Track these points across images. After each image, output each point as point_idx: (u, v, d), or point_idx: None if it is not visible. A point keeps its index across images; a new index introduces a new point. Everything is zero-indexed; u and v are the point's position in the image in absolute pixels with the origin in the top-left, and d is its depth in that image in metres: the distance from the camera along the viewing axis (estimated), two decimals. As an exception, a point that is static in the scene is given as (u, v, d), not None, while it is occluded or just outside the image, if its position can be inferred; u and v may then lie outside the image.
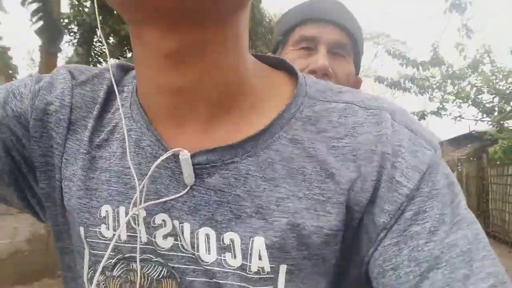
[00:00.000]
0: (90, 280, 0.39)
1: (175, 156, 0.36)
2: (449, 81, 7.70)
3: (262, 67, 0.41)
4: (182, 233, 0.36)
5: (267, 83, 0.40)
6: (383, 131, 0.36)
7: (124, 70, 0.46)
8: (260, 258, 0.34)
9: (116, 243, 0.38)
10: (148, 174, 0.36)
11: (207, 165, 0.36)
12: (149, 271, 0.38)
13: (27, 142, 0.41)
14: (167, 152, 0.36)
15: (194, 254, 0.36)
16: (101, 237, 0.39)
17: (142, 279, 0.37)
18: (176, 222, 0.37)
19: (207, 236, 0.36)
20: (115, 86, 0.41)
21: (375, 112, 0.37)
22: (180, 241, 0.36)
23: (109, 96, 0.43)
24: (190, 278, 0.36)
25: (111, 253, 0.38)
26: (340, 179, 0.35)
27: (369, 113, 0.38)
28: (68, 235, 0.41)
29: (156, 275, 0.37)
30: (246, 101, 0.38)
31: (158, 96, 0.37)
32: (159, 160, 0.36)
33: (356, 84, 0.86)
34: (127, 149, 0.38)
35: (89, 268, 0.39)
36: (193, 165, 0.36)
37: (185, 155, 0.35)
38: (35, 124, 0.40)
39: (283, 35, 0.83)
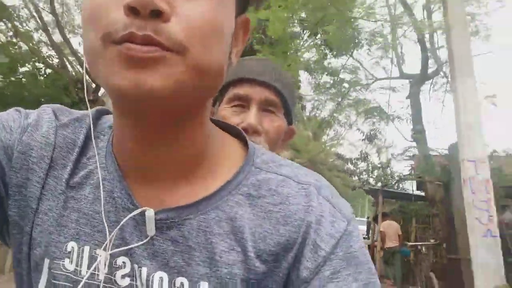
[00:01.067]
0: None
1: (141, 212, 0.43)
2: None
3: (219, 135, 0.50)
4: (140, 275, 0.43)
5: (223, 152, 0.49)
6: (310, 203, 0.45)
7: (100, 113, 0.53)
8: None
9: (77, 277, 0.44)
10: (119, 225, 0.43)
11: (167, 221, 0.43)
12: None
13: (8, 171, 0.45)
14: (137, 210, 0.43)
15: None
16: (63, 270, 0.44)
17: None
18: (135, 266, 0.43)
19: (161, 279, 0.43)
20: (93, 142, 0.48)
21: (305, 186, 0.47)
22: (135, 282, 0.43)
23: (88, 141, 0.50)
24: None
25: (70, 285, 0.44)
26: (270, 241, 0.44)
27: (300, 186, 0.47)
28: (27, 265, 0.46)
29: None
30: (204, 168, 0.46)
31: (131, 159, 0.44)
32: (130, 215, 0.43)
33: (289, 133, 0.96)
34: (102, 200, 0.45)
35: None
36: (155, 220, 0.43)
37: (150, 213, 0.43)
38: (18, 156, 0.46)
39: (219, 92, 0.90)
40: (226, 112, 0.87)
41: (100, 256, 0.43)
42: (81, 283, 0.42)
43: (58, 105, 0.52)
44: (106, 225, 0.44)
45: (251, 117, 0.84)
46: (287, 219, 0.44)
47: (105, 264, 0.43)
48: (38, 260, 0.45)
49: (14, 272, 0.48)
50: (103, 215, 0.44)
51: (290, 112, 0.93)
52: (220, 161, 0.48)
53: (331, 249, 0.43)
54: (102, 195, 0.45)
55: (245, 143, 0.51)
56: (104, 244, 0.43)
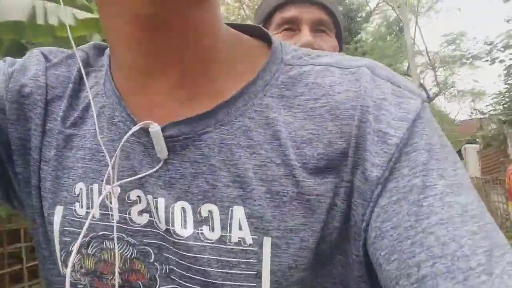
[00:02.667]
0: (65, 262, 0.38)
1: (146, 130, 0.35)
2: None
3: (236, 33, 0.40)
4: (157, 208, 0.35)
5: (241, 50, 0.38)
6: (363, 86, 0.34)
7: (100, 49, 0.45)
8: (240, 228, 0.33)
9: (90, 221, 0.36)
10: (117, 150, 0.35)
11: (180, 137, 0.35)
12: (122, 250, 0.36)
13: (4, 127, 0.40)
14: (135, 126, 0.35)
15: (168, 230, 0.35)
16: (76, 215, 0.38)
17: (116, 258, 0.36)
18: (150, 197, 0.35)
19: (183, 210, 0.34)
20: (81, 66, 0.40)
21: (353, 70, 0.35)
22: (153, 217, 0.35)
23: (82, 76, 0.42)
24: (166, 254, 0.35)
25: (85, 231, 0.36)
26: (318, 144, 0.33)
27: (347, 72, 0.36)
28: (40, 219, 0.41)
29: (129, 254, 0.36)
30: (219, 67, 0.36)
31: (131, 63, 0.35)
32: (127, 136, 0.34)
33: None
34: (96, 126, 0.37)
35: (61, 251, 0.38)
36: (165, 138, 0.34)
37: (154, 128, 0.34)
38: (11, 106, 0.40)
39: (264, 21, 0.86)
40: (276, 37, 0.80)
41: (109, 190, 0.35)
42: (85, 226, 0.34)
43: (50, 47, 0.46)
44: (106, 153, 0.36)
45: (306, 35, 0.78)
46: (335, 111, 0.33)
47: (110, 200, 0.35)
48: (50, 211, 0.39)
49: (32, 236, 0.43)
50: (101, 142, 0.36)
51: (341, 36, 0.87)
52: (241, 62, 0.37)
53: (406, 134, 0.31)
54: (95, 120, 0.37)
55: (269, 41, 0.40)
56: (106, 176, 0.35)
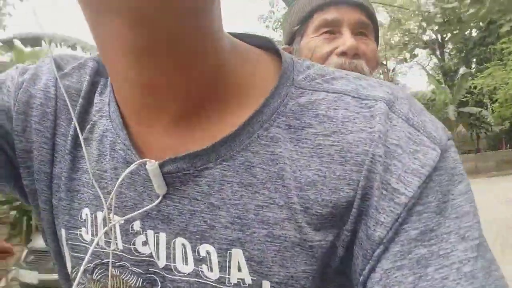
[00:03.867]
0: (74, 279, 0.39)
1: (145, 164, 0.34)
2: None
3: (241, 49, 0.36)
4: (158, 244, 0.34)
5: (247, 69, 0.35)
6: (377, 128, 0.30)
7: None
8: (239, 270, 0.32)
9: (94, 248, 0.36)
10: (116, 185, 0.34)
11: (179, 174, 0.33)
12: (127, 278, 0.36)
13: (12, 137, 0.40)
14: (134, 164, 0.33)
15: (167, 267, 0.34)
16: (82, 240, 0.38)
17: (121, 285, 0.37)
18: (150, 232, 0.35)
19: (183, 246, 0.33)
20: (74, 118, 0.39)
21: (370, 104, 0.32)
22: (153, 251, 0.35)
23: (92, 88, 0.41)
24: (170, 284, 0.35)
25: (89, 258, 0.37)
26: (323, 188, 0.30)
27: (363, 104, 0.32)
28: (50, 234, 0.41)
29: (133, 283, 0.36)
30: (223, 96, 0.34)
31: (128, 92, 0.34)
32: (125, 172, 0.34)
33: (377, 62, 0.84)
34: (86, 158, 0.36)
35: (72, 268, 0.39)
36: (164, 173, 0.33)
37: (152, 166, 0.33)
38: (18, 117, 0.39)
39: (300, 24, 0.81)
40: (315, 41, 0.78)
41: (109, 221, 0.35)
42: (89, 252, 0.34)
43: (63, 53, 0.44)
44: (96, 185, 0.35)
45: (348, 39, 0.75)
46: (345, 154, 0.30)
47: (111, 231, 0.35)
48: (59, 229, 0.39)
49: (47, 243, 0.44)
50: (91, 177, 0.36)
51: (378, 38, 0.83)
52: (246, 85, 0.34)
53: (416, 192, 0.28)
54: (84, 149, 0.36)
55: (279, 57, 0.36)
56: (105, 208, 0.35)
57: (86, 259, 0.34)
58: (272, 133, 0.32)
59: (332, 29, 0.77)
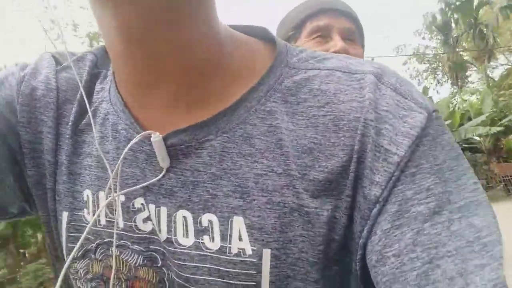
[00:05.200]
0: (69, 268, 0.39)
1: (149, 139, 0.35)
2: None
3: (236, 35, 0.38)
4: (159, 217, 0.35)
5: (244, 53, 0.37)
6: (367, 96, 0.32)
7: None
8: (240, 239, 0.32)
9: (96, 228, 0.37)
10: (120, 159, 0.35)
11: (182, 146, 0.34)
12: (127, 257, 0.37)
13: (17, 130, 0.40)
14: (136, 137, 0.35)
15: (168, 240, 0.35)
16: (85, 221, 0.38)
17: (121, 265, 0.37)
18: (152, 207, 0.35)
19: (185, 219, 0.34)
20: (78, 79, 0.40)
21: (359, 76, 0.34)
22: (154, 225, 0.35)
23: (92, 78, 0.43)
24: (168, 262, 0.35)
25: (91, 237, 0.37)
26: (319, 154, 0.32)
27: (352, 78, 0.34)
28: (54, 222, 0.41)
29: (134, 262, 0.37)
30: (219, 73, 0.35)
31: (129, 73, 0.35)
32: (128, 146, 0.35)
33: None
34: (95, 135, 0.38)
35: (66, 256, 0.39)
36: (167, 147, 0.34)
37: (156, 138, 0.34)
38: (22, 109, 0.40)
39: (295, 29, 0.89)
40: (308, 44, 0.86)
41: (111, 199, 0.36)
42: (86, 229, 0.34)
43: (60, 50, 0.46)
44: (106, 162, 0.36)
45: (338, 42, 0.83)
46: (338, 122, 0.32)
47: (111, 209, 0.36)
48: (60, 215, 0.40)
49: (46, 238, 0.44)
50: (100, 151, 0.37)
51: (363, 45, 0.91)
52: (244, 66, 0.36)
53: (407, 152, 0.30)
54: (94, 130, 0.38)
55: (274, 43, 0.39)
56: (108, 184, 0.36)
57: (82, 236, 0.34)
58: (269, 107, 0.34)
59: (323, 34, 0.85)
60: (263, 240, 0.32)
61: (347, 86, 0.34)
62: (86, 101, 0.38)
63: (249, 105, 0.34)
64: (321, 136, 0.32)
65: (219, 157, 0.34)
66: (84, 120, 0.40)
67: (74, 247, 0.38)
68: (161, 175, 0.35)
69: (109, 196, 0.36)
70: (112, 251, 0.37)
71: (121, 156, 0.35)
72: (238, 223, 0.32)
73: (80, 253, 0.38)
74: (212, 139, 0.34)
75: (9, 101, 0.40)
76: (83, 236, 0.34)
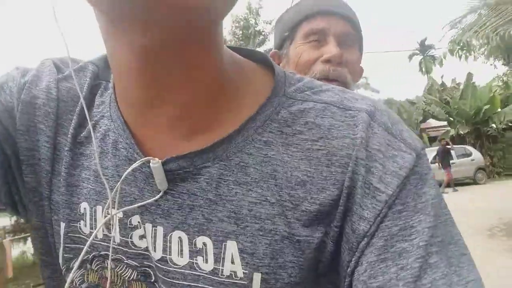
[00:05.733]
0: (65, 277, 0.40)
1: (148, 161, 0.36)
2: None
3: (239, 61, 0.39)
4: (155, 237, 0.36)
5: (243, 80, 0.38)
6: (359, 134, 0.34)
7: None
8: (233, 262, 0.34)
9: (92, 241, 0.38)
10: (120, 180, 0.36)
11: (180, 171, 0.36)
12: (122, 271, 0.38)
13: (14, 136, 0.41)
14: (138, 161, 0.36)
15: (163, 258, 0.36)
16: (81, 232, 0.39)
17: (116, 278, 0.38)
18: (149, 226, 0.37)
19: (180, 239, 0.36)
20: (81, 97, 0.40)
21: (353, 113, 0.35)
22: (148, 244, 0.37)
23: (93, 90, 0.43)
24: (160, 282, 0.37)
25: (88, 249, 0.39)
26: (311, 187, 0.34)
27: (347, 114, 0.36)
28: (51, 229, 0.42)
29: (128, 276, 0.38)
30: (220, 100, 0.36)
31: (134, 93, 0.36)
32: (131, 168, 0.36)
33: (360, 72, 0.89)
34: (96, 153, 0.38)
35: (62, 265, 0.40)
36: (165, 171, 0.35)
37: (155, 164, 0.35)
38: (22, 117, 0.40)
39: (290, 31, 0.85)
40: (302, 47, 0.82)
41: (108, 215, 0.37)
42: (87, 244, 0.36)
43: (61, 56, 0.46)
44: (104, 180, 0.37)
45: (333, 47, 0.79)
46: (331, 157, 0.34)
47: (111, 225, 0.37)
48: (57, 224, 0.41)
49: (34, 242, 0.44)
50: (99, 171, 0.37)
51: (361, 49, 0.87)
52: (242, 95, 0.38)
53: (396, 191, 0.32)
54: (94, 144, 0.38)
55: (272, 70, 0.40)
56: (108, 202, 0.37)
57: (84, 249, 0.36)
58: (266, 138, 0.36)
59: (318, 38, 0.81)
60: (254, 264, 0.34)
61: (341, 122, 0.35)
62: (88, 116, 0.39)
63: (246, 134, 0.36)
64: (314, 170, 0.34)
65: (215, 183, 0.35)
66: (83, 133, 0.41)
67: (70, 257, 0.40)
68: (158, 196, 0.36)
69: (107, 213, 0.37)
70: (107, 263, 0.38)
71: (122, 177, 0.36)
72: (231, 247, 0.34)
73: (74, 263, 0.39)
74: (210, 166, 0.35)
75: (9, 108, 0.41)
76: (82, 252, 0.35)
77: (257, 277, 0.33)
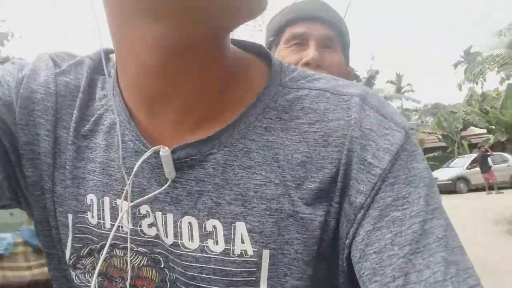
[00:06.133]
0: (73, 265, 0.42)
1: (156, 152, 0.37)
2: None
3: (240, 54, 0.42)
4: (165, 224, 0.38)
5: (244, 72, 0.41)
6: (353, 116, 0.37)
7: (107, 54, 0.46)
8: (242, 242, 0.36)
9: (100, 231, 0.40)
10: (133, 171, 0.38)
11: (187, 159, 0.37)
12: (132, 258, 0.40)
13: (14, 129, 0.41)
14: (149, 151, 0.37)
15: (175, 244, 0.38)
16: (88, 223, 0.41)
17: (124, 265, 0.40)
18: (159, 214, 0.39)
19: (190, 224, 0.38)
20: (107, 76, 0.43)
21: (346, 98, 0.38)
22: (160, 231, 0.39)
23: (91, 84, 0.44)
24: (172, 264, 0.39)
25: (95, 239, 0.40)
26: (311, 167, 0.37)
27: (340, 99, 0.38)
28: (54, 221, 0.43)
29: (138, 263, 0.40)
30: (223, 90, 0.39)
31: (144, 85, 0.38)
32: (142, 158, 0.37)
33: (348, 74, 0.94)
34: (120, 147, 0.39)
35: (71, 255, 0.42)
36: (173, 160, 0.37)
37: (165, 152, 0.37)
38: (21, 111, 0.41)
39: (275, 35, 0.91)
40: (284, 52, 0.88)
41: (122, 207, 0.39)
42: (109, 238, 0.38)
43: (57, 51, 0.47)
44: (124, 172, 0.39)
45: (312, 51, 0.84)
46: (327, 138, 0.37)
47: (127, 217, 0.39)
48: (64, 216, 0.42)
49: (38, 235, 0.45)
50: (121, 161, 0.39)
51: (347, 50, 0.92)
52: (242, 85, 0.40)
53: (388, 165, 0.35)
54: (120, 140, 0.39)
55: (269, 61, 0.43)
56: (123, 195, 0.39)
57: (108, 241, 0.38)
58: (266, 124, 0.38)
59: (300, 42, 0.86)
60: (262, 242, 0.36)
61: (336, 106, 0.38)
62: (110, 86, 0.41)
63: (248, 121, 0.38)
64: (313, 151, 0.37)
65: (221, 169, 0.37)
66: (87, 126, 0.42)
67: (79, 246, 0.41)
68: (167, 185, 0.38)
69: (115, 203, 0.39)
70: (116, 252, 0.40)
71: (134, 169, 0.37)
72: (240, 228, 0.37)
73: (85, 252, 0.41)
74: (215, 153, 0.37)
75: (7, 102, 0.41)
76: (109, 240, 0.37)
77: (266, 254, 0.36)
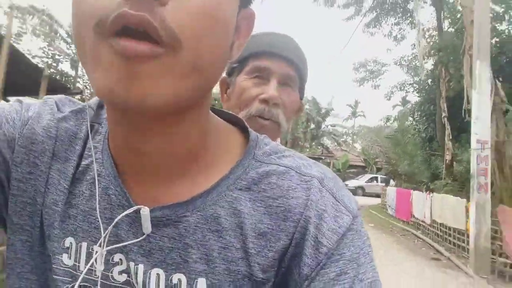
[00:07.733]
0: None
1: (137, 210, 0.42)
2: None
3: (219, 125, 0.48)
4: (136, 274, 0.42)
5: (222, 145, 0.47)
6: (311, 197, 0.43)
7: (102, 106, 0.51)
8: None
9: (74, 272, 0.44)
10: (113, 223, 0.42)
11: (163, 218, 0.42)
12: None
13: (10, 165, 0.45)
14: (131, 208, 0.42)
15: None
16: (62, 265, 0.44)
17: None
18: (131, 264, 0.43)
19: (158, 276, 0.42)
20: (90, 135, 0.46)
21: (307, 178, 0.45)
22: (132, 279, 0.43)
23: (87, 133, 0.48)
24: None
25: (69, 279, 0.44)
26: (271, 237, 0.42)
27: (302, 178, 0.45)
28: (41, 256, 0.46)
29: None
30: (202, 163, 0.44)
31: (125, 153, 0.43)
32: (124, 213, 0.42)
33: (300, 108, 1.01)
34: (97, 198, 0.44)
35: None
36: (151, 217, 0.42)
37: (145, 211, 0.42)
38: (19, 150, 0.45)
39: (239, 63, 0.94)
40: (246, 83, 0.90)
41: (96, 252, 0.43)
42: (79, 278, 0.42)
43: (61, 96, 0.51)
44: (100, 222, 0.43)
45: (272, 89, 0.88)
46: (287, 213, 0.43)
47: (101, 261, 0.43)
48: (47, 255, 0.45)
49: (8, 269, 0.47)
50: (97, 213, 0.43)
51: (303, 87, 0.98)
52: (219, 155, 0.46)
53: (334, 245, 0.41)
54: (97, 192, 0.44)
55: (246, 133, 0.49)
56: (99, 241, 0.43)
57: (78, 281, 0.42)
58: (236, 194, 0.44)
59: (262, 75, 0.90)
60: None
61: (297, 184, 0.45)
62: (95, 176, 0.44)
63: (220, 190, 0.44)
64: (274, 223, 0.43)
65: (192, 230, 0.42)
66: (76, 174, 0.46)
67: (53, 285, 0.44)
68: (142, 238, 0.42)
69: (92, 249, 0.43)
70: None
71: (114, 221, 0.42)
72: (202, 283, 0.42)
73: None
74: (189, 216, 0.43)
75: (10, 138, 0.44)
76: (78, 281, 0.41)
77: None
